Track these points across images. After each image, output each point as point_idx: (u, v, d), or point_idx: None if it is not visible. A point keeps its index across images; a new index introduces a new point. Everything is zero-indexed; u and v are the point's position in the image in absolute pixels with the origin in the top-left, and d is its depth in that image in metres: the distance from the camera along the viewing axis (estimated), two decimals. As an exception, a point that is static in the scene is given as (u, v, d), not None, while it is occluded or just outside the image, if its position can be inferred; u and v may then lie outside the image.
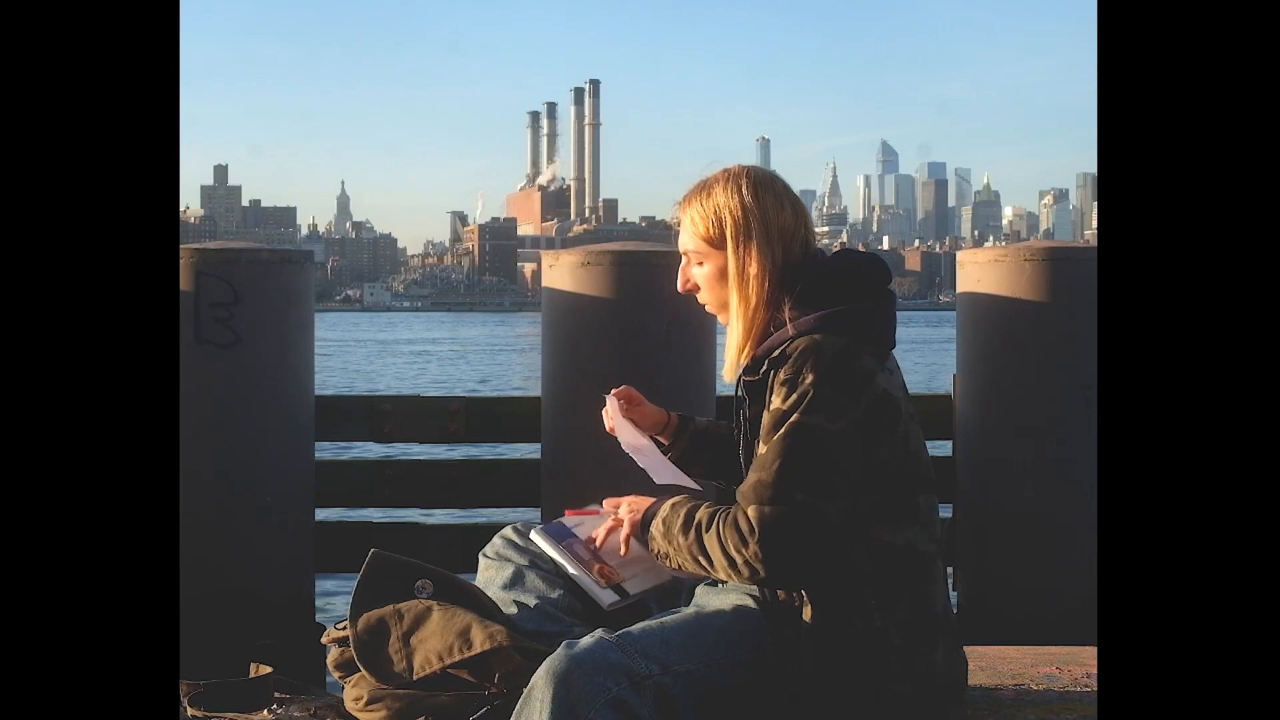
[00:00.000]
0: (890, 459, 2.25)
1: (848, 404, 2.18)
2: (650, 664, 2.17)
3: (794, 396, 2.18)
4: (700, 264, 2.38)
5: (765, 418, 2.22)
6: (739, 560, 2.20)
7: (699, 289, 2.40)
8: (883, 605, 2.23)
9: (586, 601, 2.57)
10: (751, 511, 2.18)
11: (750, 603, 2.33)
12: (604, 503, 2.55)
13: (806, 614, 2.24)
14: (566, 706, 2.08)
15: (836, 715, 2.24)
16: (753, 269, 2.29)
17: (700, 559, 2.27)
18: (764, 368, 2.25)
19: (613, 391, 2.59)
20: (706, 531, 2.25)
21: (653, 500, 2.42)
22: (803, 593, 2.25)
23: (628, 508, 2.46)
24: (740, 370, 2.33)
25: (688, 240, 2.39)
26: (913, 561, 2.27)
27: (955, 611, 4.81)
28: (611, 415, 2.59)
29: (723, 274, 2.34)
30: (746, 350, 2.31)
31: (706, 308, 2.42)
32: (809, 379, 2.18)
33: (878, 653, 2.23)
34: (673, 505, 2.36)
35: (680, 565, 2.33)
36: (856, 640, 2.22)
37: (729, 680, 2.25)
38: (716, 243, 2.34)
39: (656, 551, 2.37)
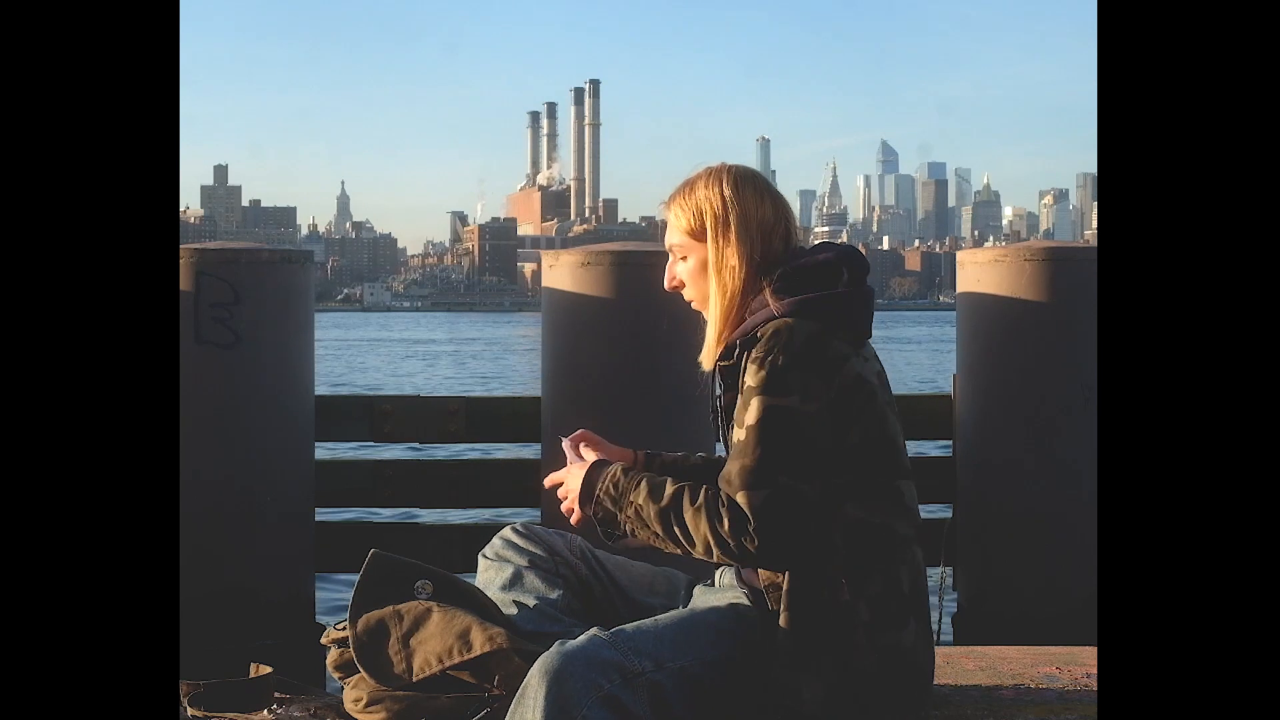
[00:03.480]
0: (863, 442, 2.26)
1: (820, 386, 2.21)
2: (644, 661, 2.18)
3: (764, 376, 2.20)
4: (684, 258, 2.43)
5: (740, 397, 2.25)
6: (732, 543, 2.18)
7: (684, 285, 2.44)
8: (852, 580, 2.24)
9: (586, 601, 2.57)
10: (741, 498, 2.18)
11: (745, 600, 2.34)
12: (544, 482, 2.51)
13: (783, 593, 2.24)
14: (559, 704, 2.09)
15: (806, 690, 2.22)
16: (731, 260, 2.34)
17: (676, 531, 2.24)
18: (737, 351, 2.28)
19: (569, 437, 2.55)
20: (693, 505, 2.23)
21: (588, 466, 2.40)
22: (785, 574, 2.24)
23: (569, 477, 2.42)
24: (716, 357, 2.35)
25: (673, 235, 2.44)
26: (886, 540, 2.28)
27: (956, 611, 4.85)
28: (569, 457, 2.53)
29: (705, 267, 2.38)
30: (723, 337, 2.34)
31: (692, 304, 2.45)
32: (780, 360, 2.20)
33: (845, 626, 2.23)
34: (624, 472, 2.35)
35: (634, 532, 2.31)
36: (825, 613, 2.23)
37: (722, 677, 2.25)
38: (698, 235, 2.39)
39: (598, 517, 2.33)
